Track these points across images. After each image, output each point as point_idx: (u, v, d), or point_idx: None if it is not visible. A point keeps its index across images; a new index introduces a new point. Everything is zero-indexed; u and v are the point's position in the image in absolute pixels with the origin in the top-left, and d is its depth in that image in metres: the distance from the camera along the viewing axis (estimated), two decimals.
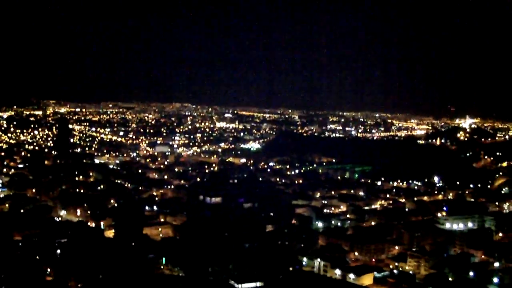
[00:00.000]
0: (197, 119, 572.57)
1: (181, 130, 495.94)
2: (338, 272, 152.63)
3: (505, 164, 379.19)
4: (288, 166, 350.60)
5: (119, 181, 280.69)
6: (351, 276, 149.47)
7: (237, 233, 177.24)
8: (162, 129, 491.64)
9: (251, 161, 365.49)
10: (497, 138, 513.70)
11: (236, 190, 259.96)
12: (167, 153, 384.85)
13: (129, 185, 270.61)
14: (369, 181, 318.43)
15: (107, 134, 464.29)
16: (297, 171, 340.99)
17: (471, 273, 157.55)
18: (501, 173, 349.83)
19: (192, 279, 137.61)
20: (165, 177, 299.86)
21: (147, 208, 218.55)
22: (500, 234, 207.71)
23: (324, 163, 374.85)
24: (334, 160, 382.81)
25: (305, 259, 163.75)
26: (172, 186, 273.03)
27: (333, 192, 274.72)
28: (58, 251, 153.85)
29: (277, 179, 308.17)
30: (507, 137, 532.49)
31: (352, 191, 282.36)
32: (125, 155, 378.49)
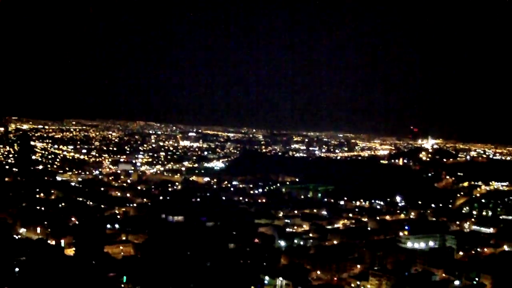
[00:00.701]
0: (161, 137, 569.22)
1: (144, 148, 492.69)
2: None
3: (466, 184, 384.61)
4: (251, 185, 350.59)
5: (81, 199, 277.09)
6: None
7: (199, 252, 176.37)
8: (126, 147, 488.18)
9: (215, 180, 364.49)
10: (458, 159, 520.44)
11: (199, 209, 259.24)
12: (130, 171, 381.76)
13: (91, 203, 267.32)
14: (332, 200, 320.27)
15: (69, 151, 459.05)
16: (260, 190, 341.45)
17: None
18: (462, 193, 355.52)
19: None
20: (128, 195, 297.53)
21: (108, 226, 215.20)
22: (461, 253, 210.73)
23: (288, 182, 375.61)
24: (297, 180, 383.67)
25: (267, 278, 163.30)
26: (135, 205, 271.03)
27: (296, 211, 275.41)
28: (17, 269, 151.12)
29: (240, 198, 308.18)
30: (468, 157, 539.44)
31: (315, 210, 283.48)
32: (87, 173, 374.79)
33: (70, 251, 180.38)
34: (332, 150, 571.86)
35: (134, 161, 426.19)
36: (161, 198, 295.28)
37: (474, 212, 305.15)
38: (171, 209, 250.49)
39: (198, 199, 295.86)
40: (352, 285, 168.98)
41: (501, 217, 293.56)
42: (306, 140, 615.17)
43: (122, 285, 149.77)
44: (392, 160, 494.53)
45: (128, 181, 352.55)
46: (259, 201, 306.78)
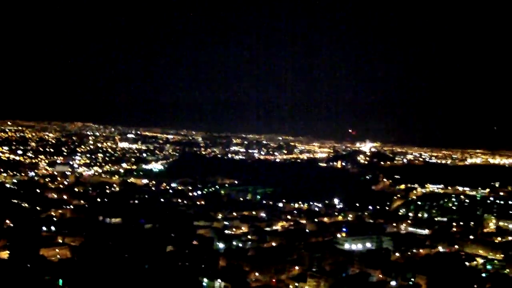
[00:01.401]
0: (99, 138, 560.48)
1: (82, 149, 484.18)
2: None
3: (402, 186, 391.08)
4: (190, 187, 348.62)
5: (15, 201, 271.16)
6: None
7: (137, 254, 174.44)
8: (63, 148, 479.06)
9: (153, 182, 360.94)
10: (395, 162, 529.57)
11: (137, 211, 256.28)
12: (67, 173, 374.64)
13: (26, 205, 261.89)
14: (270, 202, 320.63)
15: (4, 152, 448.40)
16: (199, 192, 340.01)
17: None
18: (398, 195, 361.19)
19: None
20: (64, 197, 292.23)
21: (44, 228, 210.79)
22: (397, 254, 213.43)
23: (227, 185, 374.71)
24: (236, 182, 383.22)
25: (205, 280, 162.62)
26: (71, 207, 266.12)
27: (234, 213, 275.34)
28: None
29: (179, 200, 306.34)
30: (405, 160, 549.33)
31: (253, 212, 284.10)
32: (23, 174, 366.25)
33: (5, 254, 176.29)
34: (271, 152, 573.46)
35: (71, 163, 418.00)
36: (98, 200, 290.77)
37: (410, 214, 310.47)
38: (109, 211, 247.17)
39: (136, 201, 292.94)
40: (291, 286, 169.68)
41: (436, 219, 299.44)
42: (246, 142, 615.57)
43: None
44: (331, 163, 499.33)
45: (65, 182, 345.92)
46: (198, 203, 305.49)
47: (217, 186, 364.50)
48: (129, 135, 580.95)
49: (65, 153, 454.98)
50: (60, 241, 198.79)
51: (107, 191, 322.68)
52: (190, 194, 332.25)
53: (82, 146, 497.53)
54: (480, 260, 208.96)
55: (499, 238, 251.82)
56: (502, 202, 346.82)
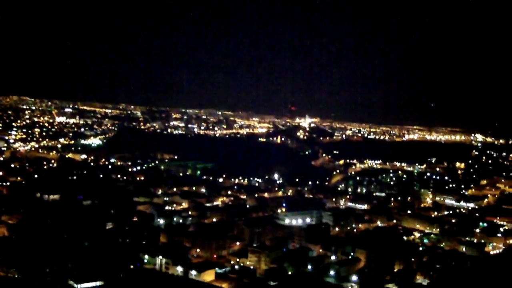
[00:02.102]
0: (36, 113, 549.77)
1: (18, 124, 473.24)
2: (179, 269, 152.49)
3: (341, 162, 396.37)
4: (129, 163, 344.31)
5: None
6: (193, 272, 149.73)
7: (76, 231, 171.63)
8: None
9: (92, 158, 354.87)
10: (334, 137, 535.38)
11: (75, 187, 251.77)
12: (2, 149, 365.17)
13: None
14: (211, 178, 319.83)
15: None
16: (139, 167, 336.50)
17: (309, 267, 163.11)
18: (338, 171, 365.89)
19: (29, 280, 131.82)
20: (0, 173, 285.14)
21: None
22: (337, 229, 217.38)
23: (166, 160, 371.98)
24: (176, 157, 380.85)
25: (146, 256, 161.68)
26: (8, 183, 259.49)
27: (175, 189, 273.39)
28: None
29: (118, 176, 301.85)
30: (344, 136, 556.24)
31: (194, 188, 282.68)
32: None
33: None
34: (211, 127, 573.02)
35: (6, 138, 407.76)
36: (35, 176, 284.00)
37: (350, 189, 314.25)
38: (46, 187, 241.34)
39: (75, 177, 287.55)
40: (232, 262, 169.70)
41: (374, 194, 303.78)
42: (185, 117, 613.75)
43: None
44: (270, 138, 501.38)
45: (1, 158, 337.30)
46: (138, 179, 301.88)
47: (156, 162, 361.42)
48: (67, 110, 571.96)
49: (0, 128, 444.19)
50: None
51: (45, 167, 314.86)
52: (130, 169, 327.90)
53: (18, 121, 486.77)
54: (418, 234, 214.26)
55: (435, 213, 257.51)
56: (438, 178, 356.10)
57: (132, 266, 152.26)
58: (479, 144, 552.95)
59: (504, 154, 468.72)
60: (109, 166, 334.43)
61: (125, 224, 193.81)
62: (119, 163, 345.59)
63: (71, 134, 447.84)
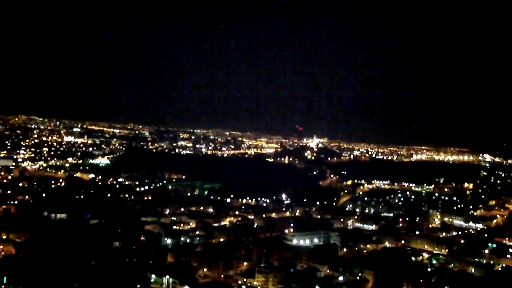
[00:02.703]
0: (44, 132, 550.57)
1: (26, 143, 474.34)
2: None
3: (349, 182, 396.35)
4: (137, 182, 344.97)
5: None
6: None
7: (83, 251, 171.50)
8: (6, 142, 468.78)
9: (100, 177, 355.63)
10: (342, 158, 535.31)
11: (83, 206, 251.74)
12: (11, 167, 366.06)
13: None
14: (218, 198, 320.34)
15: None
16: (146, 187, 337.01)
17: (317, 287, 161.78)
18: (345, 191, 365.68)
19: None
20: (9, 192, 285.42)
21: None
22: (345, 249, 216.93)
23: (174, 180, 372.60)
24: (184, 177, 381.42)
25: (153, 276, 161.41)
26: (16, 202, 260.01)
27: (182, 209, 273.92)
28: None
29: (126, 195, 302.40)
30: (351, 156, 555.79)
31: (201, 208, 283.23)
32: None
33: None
34: (218, 147, 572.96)
35: (15, 157, 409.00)
36: (43, 195, 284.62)
37: (357, 210, 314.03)
38: (54, 206, 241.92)
39: (82, 196, 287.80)
40: (239, 282, 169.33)
41: (382, 214, 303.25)
42: (193, 137, 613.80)
43: (3, 286, 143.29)
44: (278, 159, 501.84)
45: (9, 177, 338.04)
46: (145, 198, 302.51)
47: (164, 181, 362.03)
48: (75, 129, 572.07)
49: (8, 147, 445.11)
50: (5, 237, 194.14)
51: (53, 186, 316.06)
52: (137, 189, 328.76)
53: (27, 140, 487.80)
54: (426, 255, 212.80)
55: (443, 233, 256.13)
56: (446, 198, 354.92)
57: (139, 286, 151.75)
58: (488, 164, 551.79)
59: None
60: (117, 186, 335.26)
61: (132, 243, 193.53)
62: (127, 183, 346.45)
63: (79, 154, 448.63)
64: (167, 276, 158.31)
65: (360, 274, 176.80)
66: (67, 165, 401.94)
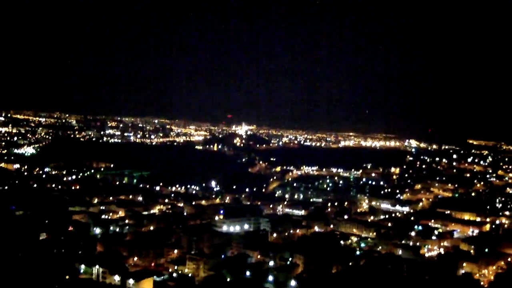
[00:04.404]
0: None
1: None
2: (117, 278, 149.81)
3: (278, 169, 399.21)
4: (64, 172, 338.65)
5: None
6: (131, 281, 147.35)
7: (8, 243, 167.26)
8: None
9: (25, 167, 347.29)
10: (271, 144, 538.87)
11: (8, 198, 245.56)
12: None
13: None
14: (147, 186, 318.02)
15: None
16: (74, 176, 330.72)
17: (248, 273, 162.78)
18: (274, 177, 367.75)
19: None
20: None
21: None
22: (275, 235, 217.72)
23: (102, 169, 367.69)
24: (112, 166, 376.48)
25: (83, 266, 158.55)
26: None
27: (111, 198, 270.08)
28: None
29: (53, 185, 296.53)
30: (280, 143, 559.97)
31: (130, 197, 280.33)
32: None
33: None
34: (147, 135, 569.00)
35: None
36: None
37: (287, 196, 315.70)
38: None
39: (7, 187, 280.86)
40: (170, 270, 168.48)
41: (311, 200, 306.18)
42: (121, 125, 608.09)
43: None
44: (207, 146, 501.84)
45: None
46: (73, 188, 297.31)
47: (92, 170, 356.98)
48: None
49: None
50: None
51: None
52: (65, 178, 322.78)
53: None
54: (355, 239, 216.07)
55: (371, 217, 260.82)
56: (373, 183, 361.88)
57: (68, 277, 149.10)
58: (413, 150, 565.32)
59: (437, 159, 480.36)
60: (44, 176, 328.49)
61: (60, 234, 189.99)
62: (53, 172, 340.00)
63: (3, 143, 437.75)
64: (97, 266, 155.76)
65: (290, 259, 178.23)
66: None
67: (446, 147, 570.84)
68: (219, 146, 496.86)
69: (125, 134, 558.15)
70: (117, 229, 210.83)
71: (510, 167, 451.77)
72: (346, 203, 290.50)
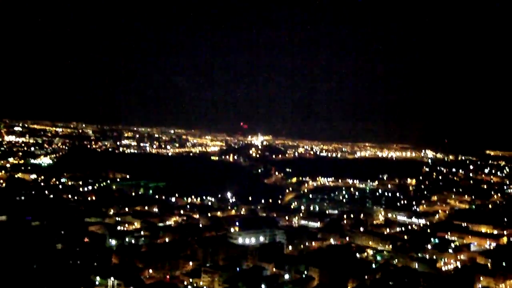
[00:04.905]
0: None
1: None
2: None
3: (294, 180, 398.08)
4: (80, 182, 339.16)
5: None
6: None
7: (25, 253, 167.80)
8: None
9: (42, 177, 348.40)
10: (287, 155, 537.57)
11: (24, 208, 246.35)
12: None
13: None
14: (163, 197, 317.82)
15: None
16: (90, 187, 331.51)
17: (263, 286, 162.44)
18: (290, 189, 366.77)
19: None
20: None
21: None
22: (290, 247, 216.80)
23: (118, 179, 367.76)
24: (128, 176, 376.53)
25: (98, 278, 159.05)
26: None
27: (127, 209, 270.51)
28: None
29: (69, 196, 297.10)
30: (296, 154, 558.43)
31: (146, 208, 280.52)
32: None
33: None
34: (163, 146, 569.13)
35: None
36: None
37: (302, 207, 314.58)
38: None
39: (23, 198, 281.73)
40: (185, 282, 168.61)
41: (327, 211, 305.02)
42: (137, 136, 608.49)
43: None
44: (223, 157, 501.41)
45: None
46: (89, 198, 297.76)
47: (108, 181, 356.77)
48: (16, 128, 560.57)
49: None
50: None
51: None
52: (81, 189, 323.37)
53: None
54: (370, 251, 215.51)
55: (387, 230, 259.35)
56: (389, 194, 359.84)
57: None
58: (430, 160, 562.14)
59: (453, 170, 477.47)
60: (60, 186, 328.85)
61: (75, 245, 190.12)
62: (70, 183, 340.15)
63: (20, 154, 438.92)
64: (112, 278, 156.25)
65: (305, 272, 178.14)
66: (8, 165, 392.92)
67: (463, 157, 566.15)
68: (235, 157, 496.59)
69: (141, 144, 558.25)
70: (133, 241, 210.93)
71: None
72: (362, 215, 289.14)
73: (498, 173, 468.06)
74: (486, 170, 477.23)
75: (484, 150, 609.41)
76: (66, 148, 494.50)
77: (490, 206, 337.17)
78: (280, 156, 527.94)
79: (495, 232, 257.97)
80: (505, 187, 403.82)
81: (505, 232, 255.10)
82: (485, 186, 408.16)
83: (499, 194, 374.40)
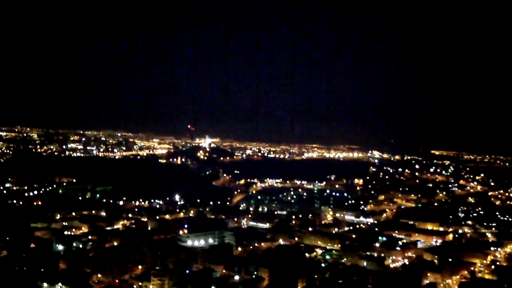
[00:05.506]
0: None
1: None
2: None
3: (242, 181, 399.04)
4: (26, 187, 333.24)
5: None
6: None
7: None
8: None
9: None
10: (235, 157, 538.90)
11: None
12: None
13: None
14: (110, 200, 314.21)
15: None
16: (35, 192, 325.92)
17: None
18: (239, 190, 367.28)
19: None
20: None
21: None
22: (239, 249, 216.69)
23: (64, 183, 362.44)
24: (74, 180, 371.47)
25: (45, 284, 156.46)
26: None
27: (74, 213, 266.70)
28: None
29: (14, 201, 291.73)
30: (244, 156, 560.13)
31: (93, 212, 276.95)
32: None
33: None
34: (110, 149, 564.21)
35: None
36: None
37: (251, 209, 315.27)
38: None
39: None
40: (134, 286, 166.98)
41: (276, 212, 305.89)
42: (84, 139, 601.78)
43: None
44: (171, 159, 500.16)
45: None
46: (35, 203, 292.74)
47: (54, 185, 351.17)
48: None
49: None
50: None
51: None
52: (26, 194, 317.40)
53: None
54: (319, 251, 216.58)
55: (336, 229, 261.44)
56: (337, 194, 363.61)
57: None
58: (376, 161, 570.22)
59: (400, 169, 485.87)
60: (4, 191, 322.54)
61: (21, 251, 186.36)
62: (14, 188, 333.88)
63: None
64: (60, 284, 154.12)
65: (255, 273, 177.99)
66: None
67: (409, 157, 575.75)
68: (183, 159, 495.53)
69: (88, 148, 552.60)
70: (80, 245, 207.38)
71: (472, 176, 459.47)
72: (310, 215, 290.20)
73: (443, 172, 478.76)
74: (431, 170, 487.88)
75: (429, 150, 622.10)
76: (10, 152, 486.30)
77: (435, 204, 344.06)
78: (228, 158, 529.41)
79: (441, 229, 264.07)
80: (449, 185, 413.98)
81: (450, 229, 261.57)
82: (430, 185, 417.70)
83: (444, 193, 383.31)
